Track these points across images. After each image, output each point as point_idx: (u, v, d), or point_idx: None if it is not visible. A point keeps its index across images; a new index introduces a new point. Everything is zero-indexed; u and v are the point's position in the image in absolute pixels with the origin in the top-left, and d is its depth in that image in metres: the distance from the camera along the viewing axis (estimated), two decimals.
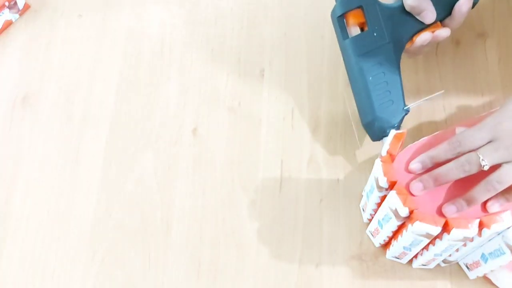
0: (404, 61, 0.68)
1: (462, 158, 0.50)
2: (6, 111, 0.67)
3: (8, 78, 0.69)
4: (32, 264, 0.59)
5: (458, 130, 0.55)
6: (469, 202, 0.50)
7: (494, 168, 0.49)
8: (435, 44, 0.62)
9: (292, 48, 0.70)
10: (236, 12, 0.73)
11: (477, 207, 0.50)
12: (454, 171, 0.50)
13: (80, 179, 0.63)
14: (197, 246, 0.59)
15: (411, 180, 0.52)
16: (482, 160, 0.49)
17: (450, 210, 0.50)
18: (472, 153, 0.49)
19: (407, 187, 0.51)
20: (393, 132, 0.52)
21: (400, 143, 0.52)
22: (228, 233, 0.60)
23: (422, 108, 0.64)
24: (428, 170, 0.52)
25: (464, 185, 0.51)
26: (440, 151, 0.51)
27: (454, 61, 0.68)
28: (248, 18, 0.72)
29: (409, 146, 0.55)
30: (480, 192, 0.49)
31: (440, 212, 0.51)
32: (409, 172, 0.52)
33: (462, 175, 0.50)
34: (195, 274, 0.58)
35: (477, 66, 0.67)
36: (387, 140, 0.53)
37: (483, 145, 0.50)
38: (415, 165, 0.51)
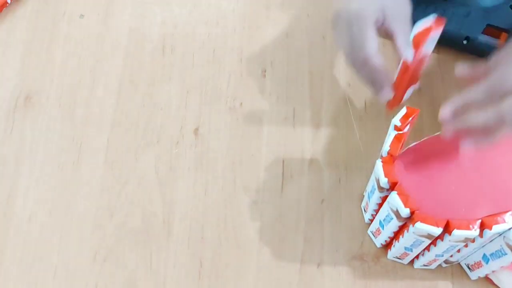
0: None
1: (506, 106, 0.44)
2: (8, 111, 0.67)
3: (10, 77, 0.69)
4: (34, 264, 0.59)
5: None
6: (498, 121, 0.44)
7: None
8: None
9: (294, 49, 0.70)
10: (238, 12, 0.73)
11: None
12: (493, 121, 0.44)
13: (82, 179, 0.63)
14: (199, 246, 0.59)
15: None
16: None
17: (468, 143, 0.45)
18: None
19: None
20: (394, 133, 0.52)
21: (401, 143, 0.52)
22: (230, 233, 0.60)
23: (423, 108, 0.64)
24: None
25: (466, 188, 0.51)
26: (477, 94, 0.45)
27: (456, 61, 0.67)
28: (249, 19, 0.72)
29: (410, 146, 0.55)
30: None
31: (441, 213, 0.51)
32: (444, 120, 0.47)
33: (500, 126, 0.44)
34: (197, 274, 0.58)
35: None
36: (388, 141, 0.53)
37: None
38: (447, 109, 0.46)
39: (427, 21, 0.51)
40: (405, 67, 0.51)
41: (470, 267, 0.56)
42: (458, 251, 0.53)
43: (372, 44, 0.51)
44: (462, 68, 0.49)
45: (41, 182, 0.63)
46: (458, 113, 0.46)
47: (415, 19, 0.65)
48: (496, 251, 0.51)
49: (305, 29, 0.71)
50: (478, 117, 0.45)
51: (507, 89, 0.44)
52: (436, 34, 0.50)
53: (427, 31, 0.50)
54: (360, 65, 0.53)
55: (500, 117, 0.44)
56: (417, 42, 0.50)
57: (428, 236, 0.49)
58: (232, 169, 0.63)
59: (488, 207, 0.51)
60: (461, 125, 0.46)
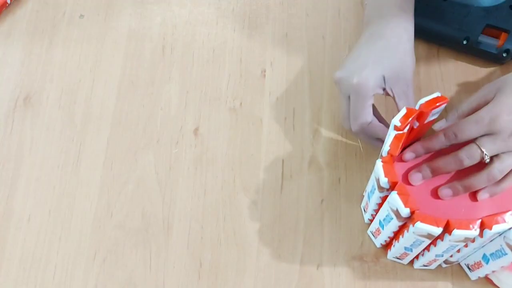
0: None
1: (462, 153, 0.51)
2: (8, 111, 0.67)
3: (10, 78, 0.69)
4: (33, 264, 0.59)
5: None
6: (467, 189, 0.51)
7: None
8: None
9: (293, 49, 0.70)
10: (237, 12, 0.73)
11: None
12: (453, 164, 0.52)
13: (82, 179, 0.63)
14: (198, 246, 0.59)
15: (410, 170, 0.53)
16: (486, 154, 0.50)
17: (446, 193, 0.51)
18: (473, 146, 0.51)
19: (406, 179, 0.52)
20: (394, 133, 0.52)
21: (401, 143, 0.52)
22: (229, 233, 0.60)
23: None
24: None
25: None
26: (436, 142, 0.53)
27: (456, 61, 0.68)
28: (249, 19, 0.72)
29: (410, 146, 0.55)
30: (482, 180, 0.51)
31: (441, 213, 0.51)
32: (403, 161, 0.54)
33: (460, 168, 0.52)
34: (196, 274, 0.58)
35: (479, 65, 0.67)
36: (388, 141, 0.53)
37: (480, 137, 0.51)
38: (408, 155, 0.53)
39: (432, 96, 0.53)
40: (410, 129, 0.53)
41: (470, 267, 0.56)
42: (458, 251, 0.53)
43: (367, 117, 0.56)
44: (439, 124, 0.55)
45: (41, 182, 0.63)
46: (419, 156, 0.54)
47: (416, 19, 0.65)
48: (496, 251, 0.50)
49: (305, 28, 0.71)
50: (439, 163, 0.52)
51: (461, 140, 0.52)
52: (440, 108, 0.53)
53: (432, 103, 0.52)
54: (355, 132, 0.58)
55: (459, 161, 0.51)
56: (422, 115, 0.52)
57: (428, 236, 0.49)
58: (231, 169, 0.63)
59: (488, 207, 0.51)
60: (428, 172, 0.52)
